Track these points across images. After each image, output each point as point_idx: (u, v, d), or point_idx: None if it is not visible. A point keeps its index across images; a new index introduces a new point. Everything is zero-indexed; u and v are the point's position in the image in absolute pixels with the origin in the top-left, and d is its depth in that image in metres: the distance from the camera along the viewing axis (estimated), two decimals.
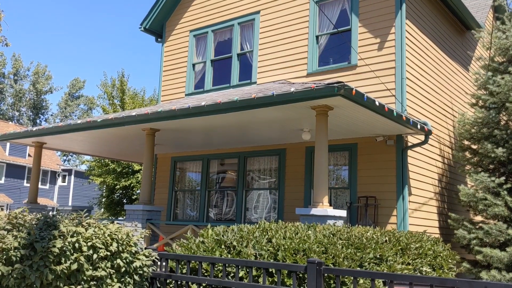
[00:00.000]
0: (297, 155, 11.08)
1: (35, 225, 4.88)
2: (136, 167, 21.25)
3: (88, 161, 25.09)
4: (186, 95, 13.07)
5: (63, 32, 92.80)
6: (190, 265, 5.36)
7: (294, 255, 5.24)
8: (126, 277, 5.10)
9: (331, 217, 7.45)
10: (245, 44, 12.30)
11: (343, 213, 7.74)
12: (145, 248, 5.52)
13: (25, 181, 41.43)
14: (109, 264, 4.97)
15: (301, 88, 7.41)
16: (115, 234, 5.15)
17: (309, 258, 4.70)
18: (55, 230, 4.79)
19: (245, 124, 9.60)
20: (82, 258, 4.71)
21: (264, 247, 5.42)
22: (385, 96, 9.72)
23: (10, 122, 48.67)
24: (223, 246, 5.65)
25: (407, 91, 9.78)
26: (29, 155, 41.65)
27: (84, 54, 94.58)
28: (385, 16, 10.14)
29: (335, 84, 6.97)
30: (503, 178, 9.49)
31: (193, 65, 13.21)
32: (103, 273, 4.84)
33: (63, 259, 4.62)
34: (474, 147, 10.70)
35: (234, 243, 5.60)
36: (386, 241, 6.37)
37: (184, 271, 5.41)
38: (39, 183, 13.65)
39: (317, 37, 11.00)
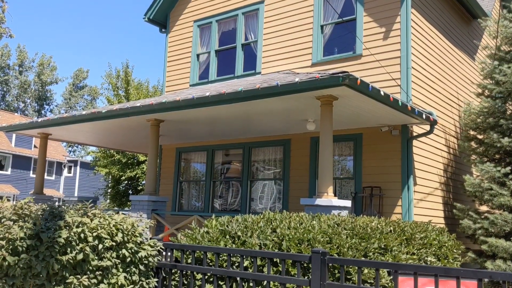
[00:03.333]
0: (302, 145, 11.07)
1: (40, 216, 4.91)
2: (141, 158, 21.30)
3: (93, 152, 25.12)
4: (190, 85, 13.05)
5: (67, 22, 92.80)
6: (195, 255, 5.38)
7: (298, 245, 5.25)
8: (132, 267, 5.13)
9: (336, 207, 7.45)
10: (250, 34, 12.25)
11: (347, 203, 7.74)
12: (151, 238, 5.54)
13: (31, 172, 41.67)
14: (114, 254, 5.00)
15: (305, 78, 7.38)
16: (120, 225, 5.17)
17: (314, 248, 4.70)
18: (61, 221, 4.82)
19: (249, 115, 9.59)
20: (87, 248, 4.74)
21: (269, 237, 5.43)
22: (390, 86, 9.67)
23: (16, 114, 48.90)
24: (227, 236, 5.67)
25: (412, 81, 9.73)
26: (35, 146, 41.85)
27: (88, 44, 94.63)
28: (390, 5, 10.05)
29: (339, 74, 6.94)
30: (509, 168, 9.45)
31: (198, 55, 13.17)
32: (109, 263, 4.87)
33: (68, 249, 4.65)
34: (479, 137, 10.65)
35: (239, 233, 5.62)
36: (390, 231, 6.36)
37: (189, 261, 5.44)
38: (45, 174, 13.75)
39: (322, 26, 10.93)
